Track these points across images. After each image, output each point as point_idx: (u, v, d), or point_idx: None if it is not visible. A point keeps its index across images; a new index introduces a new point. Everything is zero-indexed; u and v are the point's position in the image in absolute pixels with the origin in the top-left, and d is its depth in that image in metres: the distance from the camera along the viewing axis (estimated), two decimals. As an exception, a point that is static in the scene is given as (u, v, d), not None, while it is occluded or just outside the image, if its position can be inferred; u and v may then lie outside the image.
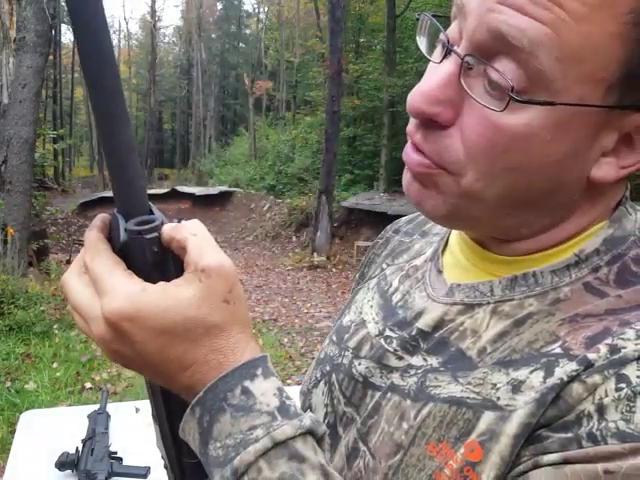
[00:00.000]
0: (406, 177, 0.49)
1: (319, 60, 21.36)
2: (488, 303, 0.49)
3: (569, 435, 0.39)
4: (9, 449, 1.49)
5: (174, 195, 20.28)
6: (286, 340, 5.65)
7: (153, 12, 35.74)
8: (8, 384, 3.96)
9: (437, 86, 0.43)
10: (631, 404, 0.38)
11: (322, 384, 0.61)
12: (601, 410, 0.39)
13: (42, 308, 5.19)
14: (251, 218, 17.47)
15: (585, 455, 0.38)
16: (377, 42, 18.32)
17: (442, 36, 0.45)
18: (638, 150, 0.44)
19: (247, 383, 0.42)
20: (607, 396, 0.39)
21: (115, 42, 50.96)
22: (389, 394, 0.52)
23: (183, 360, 0.42)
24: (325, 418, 0.58)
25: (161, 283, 0.43)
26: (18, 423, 1.60)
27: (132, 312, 0.41)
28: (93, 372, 4.35)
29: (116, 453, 1.38)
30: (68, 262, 9.33)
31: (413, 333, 0.53)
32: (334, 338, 0.64)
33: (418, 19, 0.48)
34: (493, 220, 0.47)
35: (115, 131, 0.42)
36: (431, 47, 0.48)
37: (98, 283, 0.42)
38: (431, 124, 0.44)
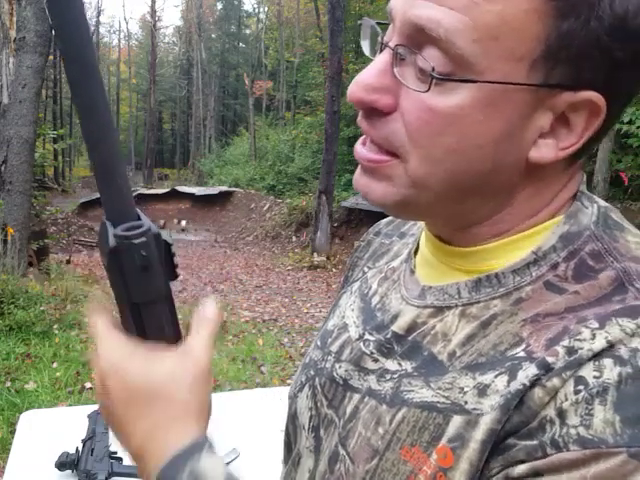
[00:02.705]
0: (357, 171, 0.51)
1: (319, 60, 21.34)
2: (456, 306, 0.50)
3: (534, 442, 0.40)
4: (9, 449, 1.49)
5: (174, 195, 20.28)
6: (286, 340, 5.65)
7: (153, 12, 35.73)
8: (8, 384, 3.95)
9: (372, 75, 0.46)
10: (589, 407, 0.38)
11: (306, 388, 0.62)
12: (561, 415, 0.39)
13: (42, 308, 5.18)
14: (251, 218, 17.46)
15: (551, 465, 0.38)
16: (377, 42, 18.25)
17: (378, 37, 0.48)
18: (575, 130, 0.44)
19: (193, 465, 0.45)
20: (567, 400, 0.39)
21: (115, 42, 50.95)
22: (366, 398, 0.53)
23: (137, 425, 0.47)
24: (310, 421, 0.59)
25: (144, 351, 0.48)
26: (18, 423, 1.60)
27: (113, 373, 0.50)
28: (93, 372, 4.34)
29: (116, 453, 1.38)
30: (68, 262, 9.33)
31: (388, 336, 0.54)
32: (318, 343, 0.65)
33: (361, 24, 0.51)
34: (441, 208, 0.48)
35: (101, 139, 0.44)
36: (373, 50, 0.50)
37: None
38: (374, 112, 0.46)
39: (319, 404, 0.59)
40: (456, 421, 0.44)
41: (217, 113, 39.16)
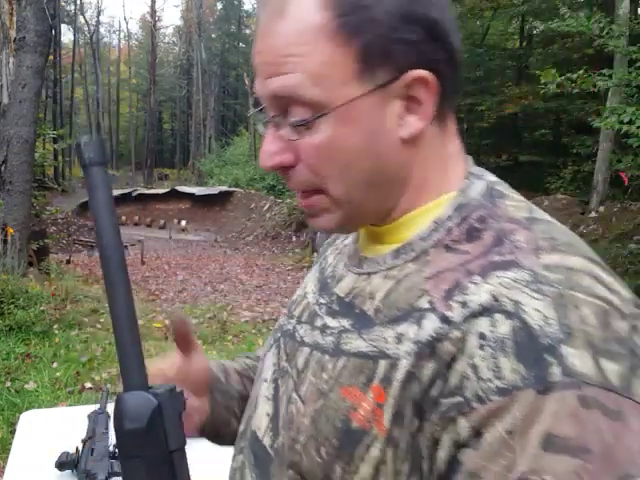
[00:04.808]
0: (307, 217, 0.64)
1: (319, 60, 21.26)
2: (382, 270, 0.62)
3: (459, 399, 0.48)
4: (9, 449, 1.49)
5: (174, 195, 20.31)
6: (286, 340, 5.65)
7: (153, 12, 35.76)
8: (8, 384, 3.96)
9: (268, 144, 0.59)
10: (496, 360, 0.46)
11: (274, 348, 0.73)
12: (476, 371, 0.47)
13: (42, 308, 5.19)
14: (251, 218, 17.48)
15: (482, 417, 0.46)
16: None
17: (258, 114, 0.62)
18: (425, 102, 0.57)
19: None
20: (475, 356, 0.48)
21: (115, 42, 51.02)
22: (314, 351, 0.63)
23: None
24: (272, 374, 0.69)
25: None
26: (18, 423, 1.61)
27: None
28: (93, 372, 4.36)
29: (116, 453, 1.38)
30: (68, 262, 9.34)
31: (333, 298, 0.66)
32: (285, 311, 0.77)
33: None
34: (371, 208, 0.61)
35: (126, 325, 0.54)
36: (264, 126, 0.62)
37: None
38: (286, 170, 0.59)
39: (281, 360, 0.69)
40: (382, 365, 0.54)
41: (217, 113, 39.19)
